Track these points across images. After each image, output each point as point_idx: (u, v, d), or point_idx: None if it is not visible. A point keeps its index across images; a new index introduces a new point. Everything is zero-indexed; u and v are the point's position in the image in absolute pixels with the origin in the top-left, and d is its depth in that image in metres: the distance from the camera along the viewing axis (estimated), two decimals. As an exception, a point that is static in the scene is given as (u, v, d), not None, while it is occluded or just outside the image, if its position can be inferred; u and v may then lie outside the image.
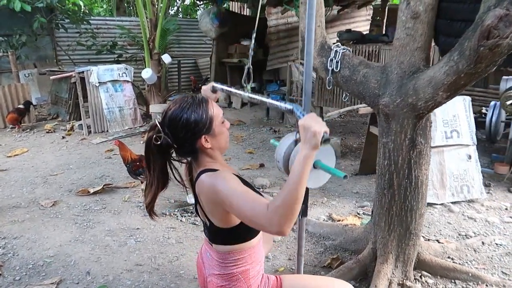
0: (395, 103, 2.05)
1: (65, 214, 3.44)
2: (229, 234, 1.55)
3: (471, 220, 3.30)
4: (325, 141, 1.21)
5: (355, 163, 4.83)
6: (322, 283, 1.73)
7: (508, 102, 4.04)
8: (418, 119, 2.06)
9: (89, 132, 6.22)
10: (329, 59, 2.28)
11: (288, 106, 1.40)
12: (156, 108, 6.48)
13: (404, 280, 2.36)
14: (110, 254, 2.82)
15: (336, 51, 2.27)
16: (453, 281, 2.44)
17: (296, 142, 1.44)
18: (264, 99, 1.54)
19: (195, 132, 1.45)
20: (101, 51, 8.72)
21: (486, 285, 2.39)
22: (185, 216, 3.42)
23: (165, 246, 2.93)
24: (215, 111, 1.49)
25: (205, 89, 1.77)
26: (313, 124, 1.20)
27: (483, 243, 2.92)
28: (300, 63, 6.60)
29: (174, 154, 1.56)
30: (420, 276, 2.46)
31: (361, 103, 4.20)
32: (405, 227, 2.28)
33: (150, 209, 1.56)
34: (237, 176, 1.49)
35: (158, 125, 1.44)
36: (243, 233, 1.56)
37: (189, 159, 1.57)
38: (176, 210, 3.50)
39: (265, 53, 8.65)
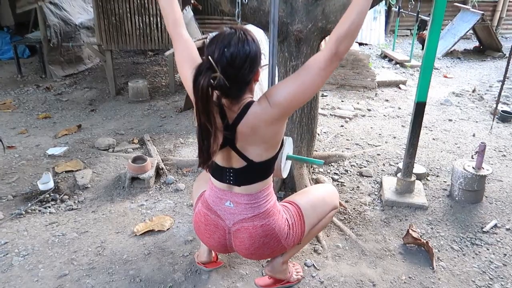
0: (307, 28, 2.37)
1: None
2: (266, 165, 1.59)
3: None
4: None
5: (168, 101, 4.87)
6: (319, 190, 2.03)
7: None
8: (322, 40, 2.48)
9: None
10: (237, -9, 2.29)
11: None
12: None
13: (311, 175, 2.94)
14: None
15: (241, -17, 2.29)
16: (331, 164, 3.22)
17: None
18: None
19: (257, 63, 1.42)
20: None
21: (348, 159, 3.30)
22: (50, 207, 2.71)
23: (72, 244, 2.33)
24: None
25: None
26: None
27: (318, 134, 3.85)
28: (50, 2, 5.52)
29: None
30: (313, 168, 3.11)
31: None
32: (311, 133, 2.78)
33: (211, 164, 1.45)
34: None
35: (214, 63, 1.27)
36: (272, 164, 1.64)
37: (223, 100, 1.45)
38: (29, 205, 2.70)
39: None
